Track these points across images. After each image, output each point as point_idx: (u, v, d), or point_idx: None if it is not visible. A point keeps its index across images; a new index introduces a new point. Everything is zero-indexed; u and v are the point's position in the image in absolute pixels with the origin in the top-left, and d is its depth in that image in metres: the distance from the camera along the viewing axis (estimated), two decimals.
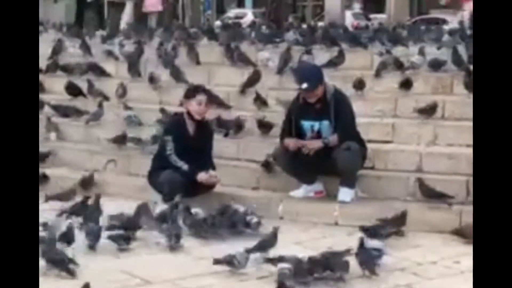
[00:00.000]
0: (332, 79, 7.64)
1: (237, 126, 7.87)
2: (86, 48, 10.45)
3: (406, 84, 8.18)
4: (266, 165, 7.29)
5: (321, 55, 9.08)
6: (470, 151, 7.09)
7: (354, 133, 6.97)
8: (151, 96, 9.18)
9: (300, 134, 6.98)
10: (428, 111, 7.67)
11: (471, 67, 8.15)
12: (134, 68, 9.59)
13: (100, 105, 8.76)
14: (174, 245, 5.88)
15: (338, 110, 6.88)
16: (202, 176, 6.89)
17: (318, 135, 6.93)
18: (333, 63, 8.84)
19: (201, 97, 7.09)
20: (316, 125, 6.93)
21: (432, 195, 6.66)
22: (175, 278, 5.27)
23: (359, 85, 8.21)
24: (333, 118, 6.86)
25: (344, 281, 5.12)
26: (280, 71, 8.82)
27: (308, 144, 6.80)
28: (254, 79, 8.68)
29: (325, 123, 6.90)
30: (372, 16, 28.55)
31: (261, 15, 28.62)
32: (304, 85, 6.84)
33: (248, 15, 30.91)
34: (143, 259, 5.74)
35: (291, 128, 7.00)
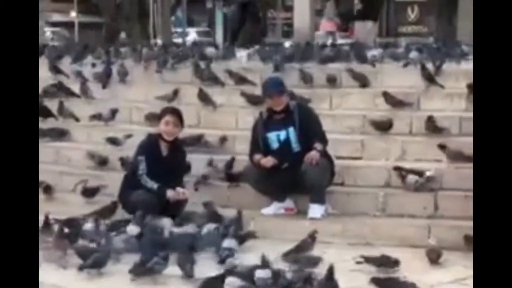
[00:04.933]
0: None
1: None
2: (55, 69, 10.43)
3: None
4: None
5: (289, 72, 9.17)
6: (437, 165, 7.24)
7: (325, 137, 7.09)
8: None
9: (267, 148, 7.09)
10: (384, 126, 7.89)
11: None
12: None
13: None
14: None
15: (304, 117, 7.08)
16: (170, 193, 6.93)
17: (286, 144, 7.05)
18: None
19: (168, 118, 7.16)
20: (282, 134, 7.07)
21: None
22: None
23: None
24: (298, 125, 7.01)
25: None
26: None
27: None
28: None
29: (291, 129, 7.04)
30: (340, 41, 28.60)
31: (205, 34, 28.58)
32: (273, 89, 7.10)
33: (192, 34, 31.11)
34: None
35: (258, 144, 7.12)
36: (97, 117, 9.08)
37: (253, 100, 8.58)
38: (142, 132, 7.83)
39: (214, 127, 8.52)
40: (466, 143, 7.22)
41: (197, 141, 8.11)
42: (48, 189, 8.00)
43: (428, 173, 6.99)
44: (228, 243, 6.25)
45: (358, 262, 5.89)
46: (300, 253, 5.99)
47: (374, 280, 5.41)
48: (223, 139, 8.13)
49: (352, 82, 8.91)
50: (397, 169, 7.22)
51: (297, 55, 9.89)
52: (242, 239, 6.50)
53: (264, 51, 10.66)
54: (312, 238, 6.18)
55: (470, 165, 6.56)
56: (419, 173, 7.05)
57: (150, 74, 9.93)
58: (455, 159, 7.21)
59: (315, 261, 5.77)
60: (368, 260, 5.87)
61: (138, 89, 9.73)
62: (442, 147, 7.31)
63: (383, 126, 7.91)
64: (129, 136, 8.32)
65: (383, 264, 5.81)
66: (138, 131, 8.28)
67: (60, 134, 9.13)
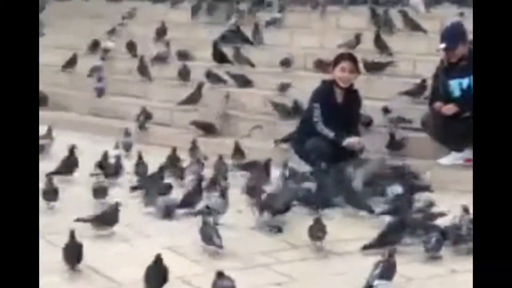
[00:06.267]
0: None
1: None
2: None
3: None
4: None
5: None
6: None
7: None
8: None
9: (449, 95, 6.88)
10: None
11: None
12: None
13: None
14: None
15: None
16: (346, 142, 6.87)
17: (468, 92, 6.79)
18: None
19: (345, 64, 7.06)
20: (465, 82, 6.84)
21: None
22: None
23: None
24: None
25: None
26: None
27: None
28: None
29: None
30: None
31: None
32: (442, 45, 6.84)
33: None
34: None
35: (439, 91, 6.92)
36: (284, 63, 9.02)
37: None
38: (316, 78, 7.78)
39: (391, 75, 8.33)
40: None
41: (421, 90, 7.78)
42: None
43: None
44: (393, 189, 6.18)
45: None
46: None
47: None
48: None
49: None
50: None
51: None
52: (414, 189, 6.32)
53: None
54: None
55: None
56: None
57: (324, 20, 9.84)
58: None
59: None
60: None
61: (312, 36, 9.66)
62: None
63: None
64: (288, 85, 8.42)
65: None
66: (312, 78, 8.24)
67: (246, 83, 9.04)
